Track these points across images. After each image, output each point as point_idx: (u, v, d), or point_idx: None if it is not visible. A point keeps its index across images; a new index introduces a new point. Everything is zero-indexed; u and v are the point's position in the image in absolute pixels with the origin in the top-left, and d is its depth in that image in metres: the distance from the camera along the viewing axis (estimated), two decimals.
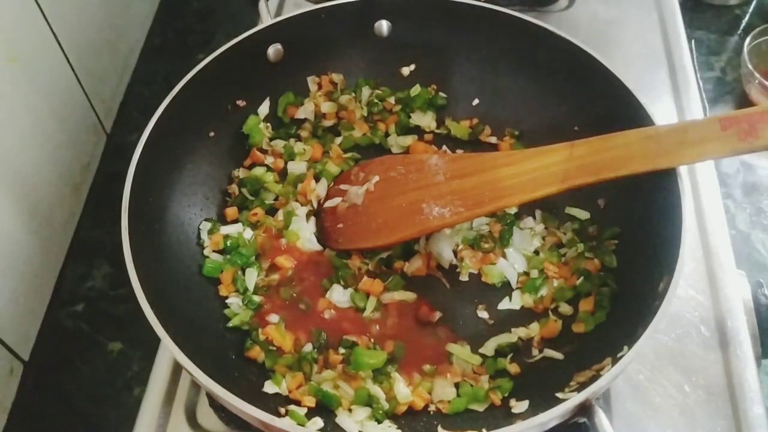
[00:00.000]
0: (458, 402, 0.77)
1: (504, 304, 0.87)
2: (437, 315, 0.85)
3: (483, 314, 0.86)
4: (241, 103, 0.96)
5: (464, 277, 0.89)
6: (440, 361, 0.82)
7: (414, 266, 0.89)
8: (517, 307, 0.86)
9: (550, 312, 0.85)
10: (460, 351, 0.82)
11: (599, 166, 0.78)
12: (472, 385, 0.79)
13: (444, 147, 1.00)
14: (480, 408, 0.78)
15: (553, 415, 0.63)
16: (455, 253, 0.90)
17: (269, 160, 0.97)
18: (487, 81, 1.00)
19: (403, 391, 0.78)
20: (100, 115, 1.15)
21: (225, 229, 0.89)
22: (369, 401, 0.77)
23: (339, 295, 0.86)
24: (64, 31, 1.02)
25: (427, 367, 0.81)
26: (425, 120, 1.01)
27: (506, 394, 0.78)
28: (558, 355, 0.80)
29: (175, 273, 0.82)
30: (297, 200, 0.94)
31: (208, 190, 0.92)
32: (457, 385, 0.80)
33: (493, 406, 0.77)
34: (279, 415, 0.72)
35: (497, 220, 0.92)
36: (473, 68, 1.00)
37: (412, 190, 0.87)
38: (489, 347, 0.83)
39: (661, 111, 1.07)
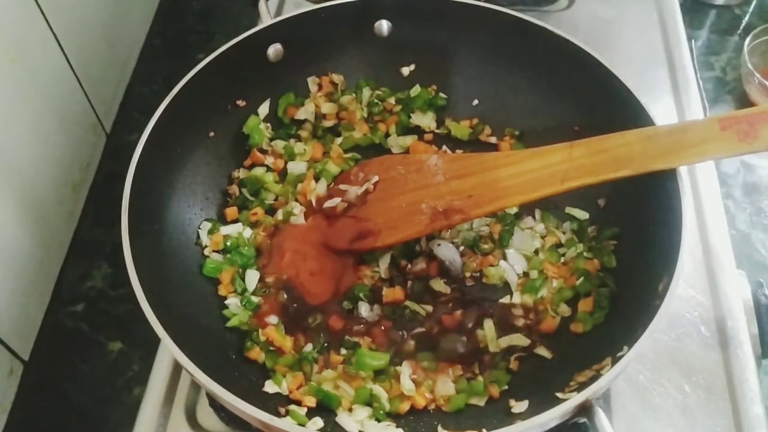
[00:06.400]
0: (458, 399, 0.78)
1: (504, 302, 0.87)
2: (459, 315, 0.85)
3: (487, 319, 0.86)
4: (241, 103, 0.96)
5: (468, 279, 0.89)
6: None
7: (418, 267, 0.89)
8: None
9: (549, 311, 0.85)
10: (489, 330, 0.83)
11: (599, 167, 0.78)
12: (468, 380, 0.79)
13: (444, 147, 1.00)
14: (480, 402, 0.78)
15: (553, 415, 0.63)
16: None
17: (269, 160, 0.97)
18: (487, 81, 1.00)
19: (408, 384, 0.78)
20: (100, 115, 1.15)
21: (225, 229, 0.89)
22: (370, 401, 0.77)
23: (366, 311, 0.86)
24: (64, 31, 1.02)
25: (426, 363, 0.81)
26: (425, 120, 1.01)
27: (504, 387, 0.79)
28: (548, 354, 0.81)
29: (175, 273, 0.82)
30: (297, 200, 0.94)
31: (208, 190, 0.92)
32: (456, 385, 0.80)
33: (493, 406, 0.77)
34: (279, 415, 0.72)
35: (497, 220, 0.92)
36: (473, 68, 1.00)
37: (412, 191, 0.88)
38: (501, 344, 0.83)
39: (661, 111, 1.07)
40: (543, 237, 0.91)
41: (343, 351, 0.82)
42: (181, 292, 0.81)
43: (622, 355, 0.66)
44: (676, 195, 0.76)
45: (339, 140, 1.00)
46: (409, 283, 0.88)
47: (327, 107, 1.01)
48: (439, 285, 0.88)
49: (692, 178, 0.99)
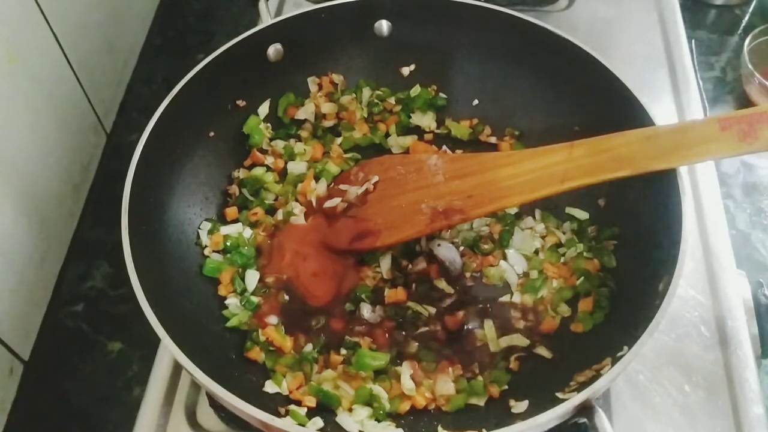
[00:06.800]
0: (458, 399, 0.78)
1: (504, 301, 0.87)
2: (461, 316, 0.85)
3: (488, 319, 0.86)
4: (241, 103, 0.96)
5: (468, 280, 0.89)
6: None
7: (418, 267, 0.89)
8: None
9: (549, 311, 0.85)
10: (489, 330, 0.83)
11: (599, 167, 0.78)
12: (468, 380, 0.79)
13: (444, 147, 1.00)
14: (480, 402, 0.78)
15: (553, 415, 0.63)
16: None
17: (269, 160, 0.97)
18: (487, 81, 1.00)
19: (409, 384, 0.78)
20: (100, 115, 1.15)
21: (225, 229, 0.89)
22: (370, 401, 0.77)
23: (368, 312, 0.86)
24: (64, 31, 1.02)
25: (426, 363, 0.81)
26: (425, 120, 1.02)
27: (504, 387, 0.79)
28: (548, 354, 0.81)
29: (175, 273, 0.82)
30: (297, 200, 0.94)
31: (208, 190, 0.92)
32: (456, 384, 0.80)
33: (493, 406, 0.77)
34: (279, 415, 0.72)
35: (497, 220, 0.92)
36: (473, 68, 1.00)
37: (412, 191, 0.88)
38: (501, 344, 0.83)
39: (661, 111, 1.07)
40: (543, 237, 0.91)
41: (343, 351, 0.82)
42: (181, 292, 0.81)
43: (622, 355, 0.66)
44: (676, 195, 0.76)
45: (339, 140, 1.00)
46: (413, 284, 0.88)
47: (327, 107, 1.01)
48: (442, 283, 0.88)
49: (692, 178, 0.99)
